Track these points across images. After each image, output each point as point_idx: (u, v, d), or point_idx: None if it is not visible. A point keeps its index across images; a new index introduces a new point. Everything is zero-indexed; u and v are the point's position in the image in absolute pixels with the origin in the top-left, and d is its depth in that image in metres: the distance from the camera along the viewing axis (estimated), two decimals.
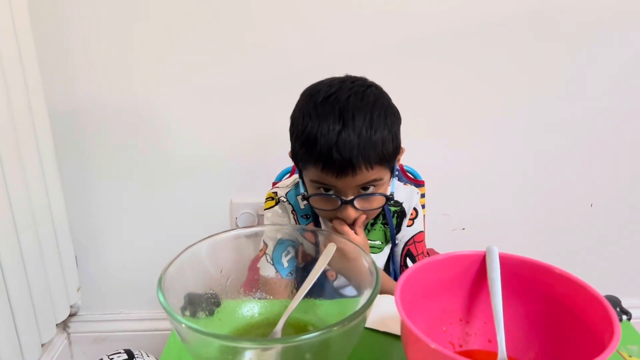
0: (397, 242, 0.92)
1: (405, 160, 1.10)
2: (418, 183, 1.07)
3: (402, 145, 0.81)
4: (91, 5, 1.15)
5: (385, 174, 0.77)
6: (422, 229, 0.94)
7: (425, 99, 1.23)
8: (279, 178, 1.12)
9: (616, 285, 1.39)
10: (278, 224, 0.88)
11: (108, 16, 1.16)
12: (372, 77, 0.81)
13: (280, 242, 0.68)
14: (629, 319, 0.63)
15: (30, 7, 1.10)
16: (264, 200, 1.30)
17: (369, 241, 0.90)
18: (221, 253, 0.61)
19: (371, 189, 0.76)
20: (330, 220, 0.81)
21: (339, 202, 0.76)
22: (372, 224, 0.90)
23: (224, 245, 0.61)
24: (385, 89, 0.80)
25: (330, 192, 0.76)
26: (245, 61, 1.20)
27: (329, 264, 0.60)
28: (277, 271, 0.68)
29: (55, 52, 1.19)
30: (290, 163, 1.12)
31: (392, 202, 0.89)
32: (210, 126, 1.26)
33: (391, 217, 0.90)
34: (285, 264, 0.68)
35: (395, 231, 0.91)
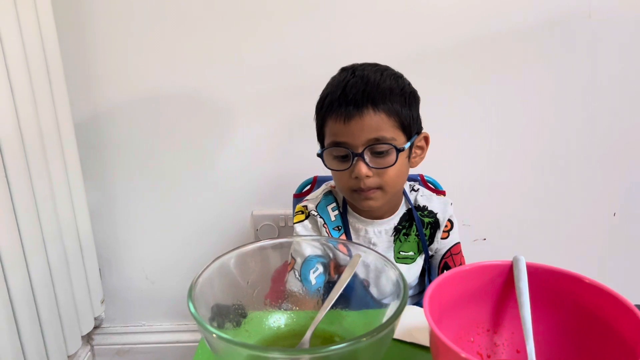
0: (431, 253, 0.92)
1: (425, 170, 1.10)
2: (439, 193, 1.07)
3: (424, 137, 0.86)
4: (115, 19, 1.18)
5: (398, 135, 0.79)
6: (459, 240, 0.93)
7: (445, 107, 1.23)
8: (299, 190, 1.12)
9: None
10: (306, 235, 0.88)
11: (133, 28, 1.19)
12: None
13: (309, 259, 0.68)
14: None
15: (56, 16, 1.12)
16: (283, 211, 1.34)
17: (403, 252, 0.90)
18: (248, 264, 0.61)
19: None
20: (349, 193, 0.82)
21: (351, 159, 0.78)
22: (406, 234, 0.90)
23: (251, 257, 0.61)
24: None
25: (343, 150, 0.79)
26: (264, 75, 1.22)
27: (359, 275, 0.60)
28: (304, 287, 0.68)
29: (80, 64, 1.21)
30: (309, 175, 1.14)
31: (426, 212, 0.90)
32: (230, 139, 1.28)
33: (422, 227, 0.90)
34: (313, 281, 0.68)
35: (427, 242, 0.91)
